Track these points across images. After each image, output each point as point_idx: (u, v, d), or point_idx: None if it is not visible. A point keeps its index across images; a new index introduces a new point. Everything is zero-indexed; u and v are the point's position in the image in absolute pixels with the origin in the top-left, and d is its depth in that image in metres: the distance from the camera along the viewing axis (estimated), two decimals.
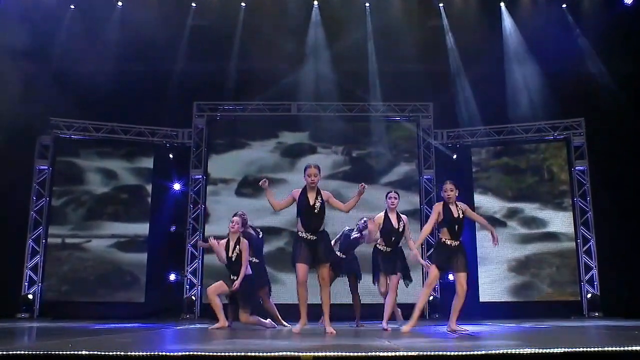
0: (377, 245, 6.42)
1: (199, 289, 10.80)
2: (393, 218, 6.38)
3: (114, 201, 11.21)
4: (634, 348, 3.05)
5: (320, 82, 11.37)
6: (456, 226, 5.49)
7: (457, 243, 5.48)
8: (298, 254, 5.55)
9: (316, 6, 11.63)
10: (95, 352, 2.89)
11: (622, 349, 3.05)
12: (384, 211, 6.47)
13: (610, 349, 3.05)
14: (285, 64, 11.25)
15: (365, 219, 7.13)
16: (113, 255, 10.90)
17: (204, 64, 11.11)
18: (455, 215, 5.51)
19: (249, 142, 11.70)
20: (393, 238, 6.31)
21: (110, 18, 10.84)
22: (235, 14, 11.32)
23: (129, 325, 7.36)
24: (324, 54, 11.47)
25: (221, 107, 11.76)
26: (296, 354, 2.93)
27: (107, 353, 2.87)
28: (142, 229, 11.10)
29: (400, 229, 6.35)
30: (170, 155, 11.71)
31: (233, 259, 6.45)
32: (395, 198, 6.48)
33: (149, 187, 11.36)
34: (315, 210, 5.65)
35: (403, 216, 6.50)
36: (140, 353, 2.90)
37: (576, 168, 11.09)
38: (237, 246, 6.48)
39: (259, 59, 11.17)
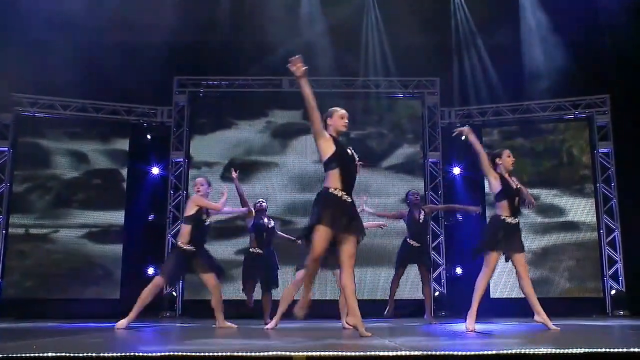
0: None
1: (180, 284, 10.80)
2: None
3: (85, 187, 11.16)
4: None
5: (315, 55, 11.27)
6: (516, 199, 5.47)
7: (516, 221, 5.53)
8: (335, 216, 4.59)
9: None
10: (63, 354, 2.87)
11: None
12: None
13: (636, 350, 3.05)
14: (277, 34, 11.14)
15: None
16: (84, 247, 10.88)
17: (186, 34, 11.00)
18: (514, 186, 5.47)
19: (236, 122, 11.66)
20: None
21: None
22: None
23: (102, 324, 7.36)
24: (319, 24, 11.38)
25: (205, 82, 11.69)
26: (288, 353, 2.94)
27: (76, 355, 2.85)
28: (116, 217, 11.07)
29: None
30: (148, 136, 11.65)
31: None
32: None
33: (125, 172, 11.31)
34: (356, 163, 4.99)
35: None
36: (114, 354, 2.88)
37: (599, 150, 11.09)
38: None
39: (247, 29, 11.09)
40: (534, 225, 11.14)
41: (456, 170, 11.57)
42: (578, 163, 11.35)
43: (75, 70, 10.20)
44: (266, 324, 7.26)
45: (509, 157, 5.66)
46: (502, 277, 10.97)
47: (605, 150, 11.09)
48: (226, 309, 6.98)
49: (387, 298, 8.33)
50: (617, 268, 10.66)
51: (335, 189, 4.66)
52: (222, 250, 10.29)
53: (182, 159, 11.33)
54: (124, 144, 11.45)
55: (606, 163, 11.06)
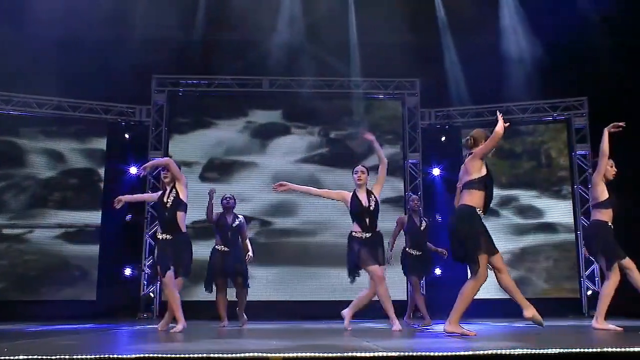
0: (353, 233, 6.09)
1: (158, 284, 10.72)
2: (362, 196, 6.07)
3: (61, 186, 11.03)
4: (635, 349, 3.10)
5: (295, 55, 11.28)
6: None
7: None
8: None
9: None
10: (36, 357, 2.83)
11: (622, 350, 3.09)
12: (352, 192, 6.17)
13: (609, 349, 3.09)
14: (257, 34, 11.13)
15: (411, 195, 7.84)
16: (59, 248, 10.76)
17: (165, 32, 10.93)
18: None
19: (215, 121, 11.61)
20: (367, 220, 6.01)
21: None
22: None
23: (77, 326, 7.29)
24: (299, 24, 11.37)
25: (184, 81, 11.63)
26: (264, 354, 2.93)
27: (49, 357, 2.81)
28: (93, 217, 10.96)
29: (372, 207, 6.06)
30: (126, 135, 11.56)
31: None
32: (363, 172, 6.24)
33: (102, 171, 11.21)
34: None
35: (375, 189, 6.24)
36: (88, 356, 2.85)
37: (577, 152, 11.21)
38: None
39: (227, 28, 11.04)
40: (512, 226, 11.24)
41: (436, 171, 11.64)
42: (556, 165, 11.47)
43: (51, 67, 10.10)
44: (241, 324, 7.22)
45: (612, 167, 5.93)
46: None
47: (582, 152, 11.22)
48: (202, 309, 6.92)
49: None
50: (594, 269, 10.78)
51: (479, 209, 4.99)
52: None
53: (160, 158, 11.23)
54: (101, 143, 11.34)
55: (583, 165, 11.19)
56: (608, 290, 5.65)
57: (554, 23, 10.98)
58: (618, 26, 10.76)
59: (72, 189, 11.08)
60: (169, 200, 5.87)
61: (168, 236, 5.82)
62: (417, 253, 7.53)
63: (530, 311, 5.01)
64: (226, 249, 7.28)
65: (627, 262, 5.67)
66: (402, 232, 7.74)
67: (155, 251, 5.95)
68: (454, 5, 11.52)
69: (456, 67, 11.57)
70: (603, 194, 5.79)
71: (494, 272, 5.02)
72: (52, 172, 11.04)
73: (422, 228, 7.59)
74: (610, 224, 5.71)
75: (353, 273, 6.27)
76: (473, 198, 4.94)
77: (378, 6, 10.95)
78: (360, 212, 5.96)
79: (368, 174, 6.23)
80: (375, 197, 6.08)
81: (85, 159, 11.27)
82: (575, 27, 10.95)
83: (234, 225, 7.37)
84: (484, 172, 4.98)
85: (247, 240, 7.53)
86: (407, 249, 7.61)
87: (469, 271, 5.23)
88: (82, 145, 11.30)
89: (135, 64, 10.67)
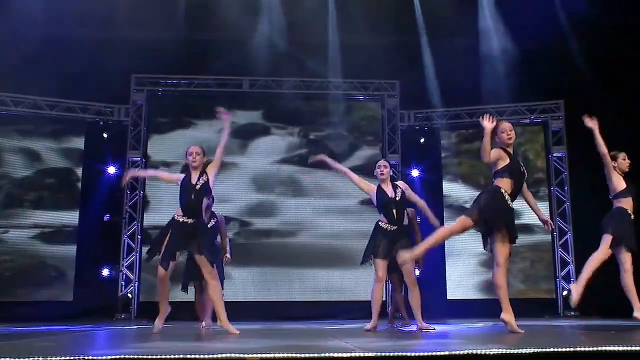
0: (379, 223, 6.15)
1: (136, 285, 10.67)
2: (388, 188, 6.13)
3: (38, 186, 10.89)
4: (608, 348, 3.14)
5: (276, 56, 11.27)
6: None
7: None
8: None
9: None
10: (9, 359, 2.80)
11: (595, 349, 3.14)
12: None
13: (582, 349, 3.13)
14: (237, 34, 11.10)
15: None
16: (35, 248, 10.62)
17: (144, 31, 10.85)
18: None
19: (195, 121, 11.55)
20: (394, 211, 6.03)
21: None
22: None
23: (54, 327, 7.21)
24: (280, 24, 11.36)
25: (164, 81, 11.56)
26: (241, 355, 2.92)
27: (24, 359, 2.79)
28: (70, 217, 10.85)
29: (399, 198, 6.08)
30: (105, 135, 11.46)
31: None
32: (385, 167, 6.25)
33: (79, 171, 11.10)
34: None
35: (400, 183, 6.32)
36: (64, 358, 2.83)
37: (553, 154, 11.34)
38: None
39: (208, 28, 11.00)
40: None
41: (415, 173, 11.69)
42: (533, 166, 11.57)
43: (28, 65, 9.98)
44: (205, 326, 7.00)
45: (625, 159, 6.08)
46: (459, 279, 11.17)
47: (559, 154, 11.35)
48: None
49: (350, 300, 8.17)
50: (569, 269, 10.91)
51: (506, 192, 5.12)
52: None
53: (139, 159, 11.18)
54: (79, 143, 11.22)
55: (560, 167, 11.32)
56: (593, 261, 5.98)
57: (531, 27, 11.09)
58: (594, 31, 10.91)
59: (49, 189, 10.95)
60: (199, 183, 5.66)
61: (190, 220, 5.55)
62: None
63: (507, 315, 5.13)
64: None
65: (628, 258, 5.75)
66: None
67: (168, 235, 5.54)
68: (433, 7, 11.57)
69: (435, 69, 11.63)
70: (619, 184, 5.99)
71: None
72: (28, 171, 10.89)
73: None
74: (630, 211, 5.85)
75: (366, 260, 6.31)
76: (501, 183, 5.11)
77: (358, 8, 10.97)
78: (387, 203, 6.03)
79: (391, 169, 6.33)
80: (401, 189, 6.13)
81: (62, 159, 11.14)
82: (552, 32, 11.10)
83: (209, 226, 7.02)
84: (507, 161, 5.13)
85: (227, 239, 7.39)
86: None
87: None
88: (59, 145, 11.17)
89: (114, 63, 10.58)
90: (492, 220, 5.01)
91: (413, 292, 6.11)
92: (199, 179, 5.67)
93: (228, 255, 7.25)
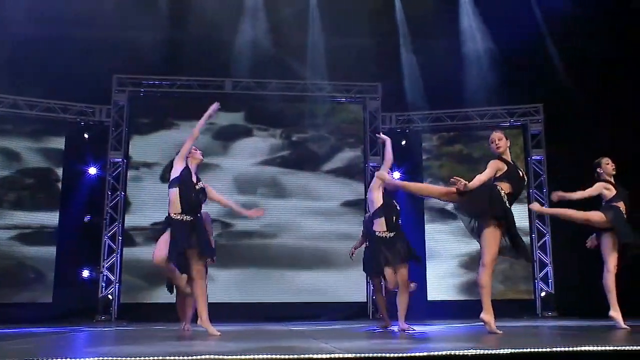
0: (377, 233, 6.21)
1: (116, 286, 10.58)
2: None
3: (17, 186, 10.75)
4: (584, 348, 3.17)
5: (258, 58, 11.25)
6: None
7: None
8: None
9: None
10: None
11: (572, 349, 3.17)
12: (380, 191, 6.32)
13: (559, 349, 3.16)
14: (220, 35, 11.07)
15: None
16: (14, 249, 10.48)
17: (126, 32, 10.77)
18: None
19: (177, 122, 11.48)
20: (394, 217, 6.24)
21: None
22: None
23: (32, 329, 7.13)
24: (262, 26, 11.34)
25: (145, 82, 11.48)
26: (220, 357, 2.91)
27: None
28: (50, 218, 10.72)
29: (399, 207, 6.41)
30: (86, 135, 11.34)
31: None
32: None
33: (60, 171, 10.97)
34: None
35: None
36: None
37: (533, 157, 11.44)
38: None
39: (190, 29, 10.95)
40: None
41: (396, 175, 11.70)
42: None
43: (7, 65, 9.85)
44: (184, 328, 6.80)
45: (608, 164, 6.07)
46: (439, 281, 11.22)
47: (538, 157, 11.44)
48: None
49: (332, 302, 8.11)
50: (547, 271, 11.01)
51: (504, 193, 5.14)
52: None
53: (120, 159, 11.09)
54: (59, 143, 11.10)
55: (539, 170, 11.41)
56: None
57: (511, 31, 11.19)
58: (572, 35, 11.03)
59: (29, 189, 10.82)
60: (199, 183, 5.66)
61: (188, 217, 5.41)
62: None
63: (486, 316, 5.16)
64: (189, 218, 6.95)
65: (614, 258, 5.80)
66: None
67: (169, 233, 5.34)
68: (415, 11, 11.64)
69: (417, 73, 11.68)
70: (610, 193, 6.00)
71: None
72: (7, 171, 10.74)
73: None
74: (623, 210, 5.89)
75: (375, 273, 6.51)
76: (499, 184, 5.17)
77: (341, 11, 10.99)
78: (391, 210, 6.25)
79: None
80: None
81: (42, 159, 11.02)
82: (532, 36, 11.22)
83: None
84: (504, 168, 5.25)
85: (211, 238, 7.29)
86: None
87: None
88: (40, 145, 11.05)
89: (95, 63, 10.49)
90: (478, 203, 5.02)
91: (403, 294, 6.14)
92: (198, 181, 5.69)
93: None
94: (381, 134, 6.38)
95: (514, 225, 5.12)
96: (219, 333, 5.36)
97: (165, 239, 5.30)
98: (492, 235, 5.02)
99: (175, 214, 5.42)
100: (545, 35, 11.28)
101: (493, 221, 5.00)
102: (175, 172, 5.60)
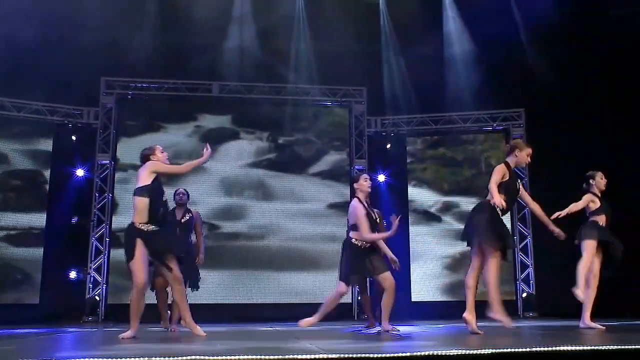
0: (354, 241, 6.03)
1: (104, 287, 10.49)
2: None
3: (4, 188, 10.60)
4: (563, 348, 3.19)
5: (246, 61, 11.25)
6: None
7: None
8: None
9: None
10: None
11: (552, 349, 3.18)
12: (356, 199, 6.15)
13: (540, 349, 3.17)
14: (207, 39, 11.05)
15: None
16: (1, 250, 10.31)
17: (114, 34, 10.72)
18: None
19: (165, 125, 11.42)
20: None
21: None
22: None
23: (19, 330, 7.05)
24: (250, 30, 11.34)
25: (133, 84, 11.39)
26: (206, 358, 2.89)
27: None
28: (37, 220, 10.61)
29: (377, 219, 6.38)
30: (73, 137, 11.23)
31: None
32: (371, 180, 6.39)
33: (47, 173, 10.86)
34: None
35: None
36: None
37: None
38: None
39: (178, 32, 10.92)
40: (453, 231, 11.41)
41: (381, 178, 11.74)
42: None
43: None
44: (168, 329, 6.71)
45: (602, 179, 6.23)
46: (423, 282, 11.24)
47: None
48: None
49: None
50: (529, 272, 11.06)
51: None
52: None
53: (108, 161, 11.00)
54: (47, 145, 11.00)
55: (521, 173, 11.45)
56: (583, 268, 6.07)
57: (494, 39, 11.29)
58: (553, 42, 11.14)
59: (15, 191, 10.69)
60: (165, 197, 5.37)
61: (154, 227, 5.16)
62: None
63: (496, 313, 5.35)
64: None
65: (598, 262, 5.89)
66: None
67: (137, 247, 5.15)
68: (399, 18, 11.70)
69: (402, 77, 11.73)
70: (595, 204, 6.19)
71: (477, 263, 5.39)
72: None
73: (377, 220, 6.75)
74: (601, 223, 6.10)
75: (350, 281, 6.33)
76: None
77: (327, 16, 11.02)
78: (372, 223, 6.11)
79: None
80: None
81: (29, 161, 10.91)
82: (514, 43, 11.32)
83: (182, 220, 6.90)
84: (506, 177, 5.40)
85: (202, 238, 7.08)
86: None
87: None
88: (27, 147, 10.93)
89: (83, 65, 10.43)
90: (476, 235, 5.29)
91: (389, 297, 6.05)
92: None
93: (202, 255, 6.97)
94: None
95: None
96: (204, 334, 5.32)
97: (141, 259, 5.13)
98: (494, 257, 5.31)
99: (141, 223, 5.17)
100: (527, 42, 11.39)
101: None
102: (145, 180, 5.23)
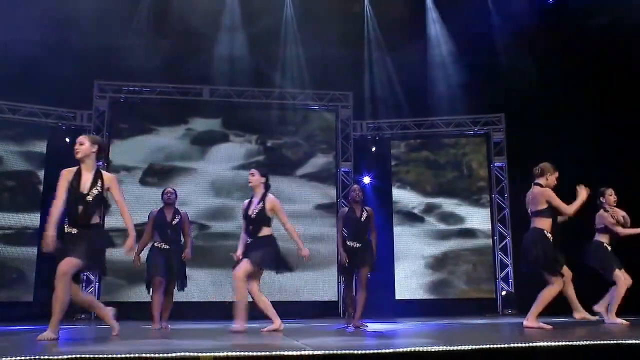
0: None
1: (96, 285, 10.40)
2: (357, 210, 6.83)
3: None
4: (542, 344, 3.20)
5: (236, 67, 11.21)
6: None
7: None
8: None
9: None
10: None
11: (530, 345, 3.18)
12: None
13: (518, 345, 3.17)
14: (198, 45, 11.00)
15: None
16: None
17: (108, 39, 10.63)
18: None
19: (156, 128, 11.34)
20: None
21: None
22: None
23: (12, 327, 6.97)
24: (240, 36, 11.31)
25: (126, 88, 11.32)
26: (195, 354, 2.87)
27: None
28: (31, 220, 10.49)
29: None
30: (67, 139, 11.11)
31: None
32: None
33: (41, 174, 10.75)
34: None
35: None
36: (18, 358, 2.72)
37: (495, 164, 11.54)
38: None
39: (170, 37, 10.86)
40: (435, 232, 11.46)
41: (366, 180, 11.74)
42: (476, 175, 11.76)
43: None
44: (161, 327, 6.62)
45: (611, 195, 6.57)
46: (407, 281, 11.26)
47: (499, 164, 11.55)
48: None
49: (303, 300, 8.07)
50: (508, 271, 11.11)
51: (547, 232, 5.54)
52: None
53: (101, 163, 10.80)
54: (41, 147, 10.89)
55: (500, 176, 11.52)
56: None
57: (475, 46, 11.35)
58: (531, 49, 11.21)
59: (10, 191, 10.58)
60: (91, 194, 5.03)
61: (75, 230, 4.86)
62: (357, 245, 6.72)
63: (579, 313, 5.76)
64: (166, 246, 6.77)
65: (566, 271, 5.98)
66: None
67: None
68: (385, 25, 11.75)
69: (386, 82, 11.76)
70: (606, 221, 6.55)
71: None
72: None
73: (362, 219, 6.80)
74: (605, 244, 6.56)
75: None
76: (543, 223, 5.50)
77: (315, 22, 11.02)
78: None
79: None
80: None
81: (24, 162, 10.79)
82: (495, 51, 11.39)
83: (173, 222, 6.86)
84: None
85: (190, 237, 7.04)
86: (346, 242, 6.80)
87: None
88: (21, 148, 10.82)
89: (77, 69, 10.33)
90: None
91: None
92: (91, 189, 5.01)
93: (188, 250, 6.91)
94: None
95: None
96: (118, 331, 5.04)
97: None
98: (557, 283, 5.63)
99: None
100: (506, 49, 11.45)
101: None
102: None
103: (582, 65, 10.77)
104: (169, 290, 6.88)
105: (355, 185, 7.17)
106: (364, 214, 6.82)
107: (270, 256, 5.75)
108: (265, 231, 5.96)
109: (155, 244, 6.86)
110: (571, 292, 5.90)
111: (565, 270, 5.79)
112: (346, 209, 7.10)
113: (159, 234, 6.87)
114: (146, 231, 7.00)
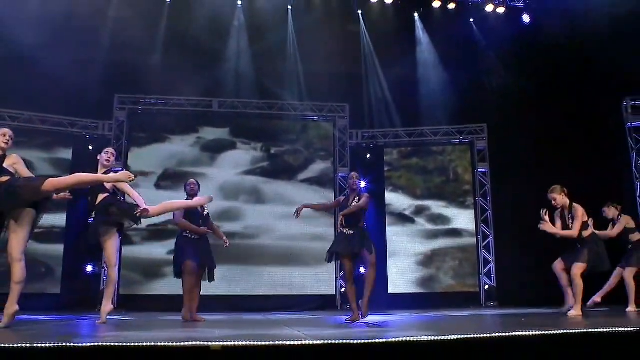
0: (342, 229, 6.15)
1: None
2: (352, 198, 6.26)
3: None
4: (521, 333, 3.20)
5: (241, 80, 11.26)
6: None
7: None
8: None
9: (240, 6, 11.57)
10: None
11: (511, 334, 3.18)
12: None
13: (500, 334, 3.17)
14: (208, 61, 11.05)
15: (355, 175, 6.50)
16: (28, 247, 10.14)
17: (127, 56, 10.67)
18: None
19: (170, 136, 11.35)
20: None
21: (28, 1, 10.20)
22: (160, 10, 11.05)
23: (41, 317, 6.97)
24: (246, 54, 11.36)
25: (143, 100, 11.34)
26: (205, 344, 2.86)
27: (9, 345, 2.66)
28: (59, 220, 10.50)
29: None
30: (90, 147, 11.14)
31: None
32: (357, 178, 6.35)
33: None
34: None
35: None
36: (46, 345, 2.72)
37: (479, 170, 11.56)
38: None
39: (183, 55, 10.89)
40: (424, 231, 11.46)
41: (362, 184, 11.70)
42: (462, 180, 11.77)
43: (23, 84, 9.69)
44: (191, 319, 6.16)
45: (608, 208, 7.06)
46: (399, 276, 11.25)
47: (483, 170, 11.56)
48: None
49: (303, 294, 7.94)
50: (490, 267, 11.11)
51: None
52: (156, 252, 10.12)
53: (120, 168, 10.89)
54: (67, 154, 10.91)
55: (484, 180, 11.53)
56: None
57: (460, 63, 11.38)
58: (511, 66, 11.25)
59: None
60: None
61: None
62: (350, 232, 6.12)
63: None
64: (196, 236, 6.34)
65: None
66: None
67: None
68: (378, 42, 11.80)
69: (380, 95, 11.80)
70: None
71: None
72: None
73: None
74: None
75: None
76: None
77: (314, 40, 11.06)
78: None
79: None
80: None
81: (52, 167, 10.79)
82: (477, 67, 11.44)
83: (204, 214, 6.48)
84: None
85: (215, 227, 6.76)
86: (341, 229, 6.21)
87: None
88: (50, 155, 10.84)
89: (99, 84, 10.42)
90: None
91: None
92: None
93: (225, 238, 6.75)
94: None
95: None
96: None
97: None
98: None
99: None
100: (488, 66, 11.50)
101: None
102: None
103: (557, 79, 10.82)
104: (198, 280, 6.42)
105: (353, 173, 6.46)
106: (357, 201, 6.18)
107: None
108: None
109: (184, 234, 6.40)
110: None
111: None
112: (343, 197, 6.75)
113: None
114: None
